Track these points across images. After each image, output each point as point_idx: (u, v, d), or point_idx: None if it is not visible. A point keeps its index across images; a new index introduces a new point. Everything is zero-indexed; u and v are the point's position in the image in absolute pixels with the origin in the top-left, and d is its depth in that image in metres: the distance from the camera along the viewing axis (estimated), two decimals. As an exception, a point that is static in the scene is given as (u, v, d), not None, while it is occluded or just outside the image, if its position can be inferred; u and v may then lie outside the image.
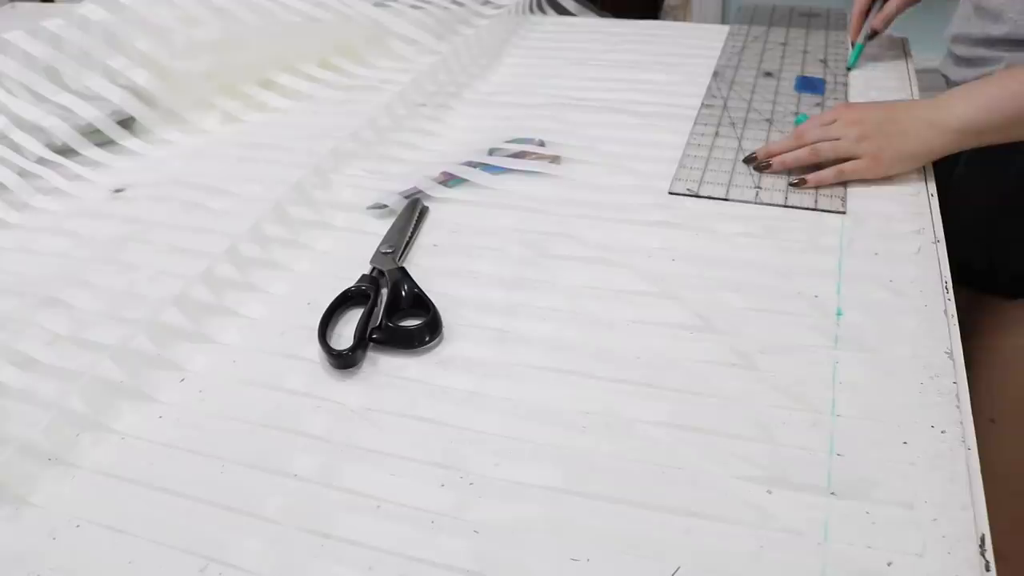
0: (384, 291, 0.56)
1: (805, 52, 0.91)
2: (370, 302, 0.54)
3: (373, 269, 0.58)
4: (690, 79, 0.86)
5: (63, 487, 0.43)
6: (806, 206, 0.62)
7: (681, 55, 0.94)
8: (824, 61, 0.89)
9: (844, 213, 0.61)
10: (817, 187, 0.64)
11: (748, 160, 0.68)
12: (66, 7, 0.96)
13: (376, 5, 0.98)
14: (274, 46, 0.90)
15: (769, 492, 0.40)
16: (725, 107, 0.80)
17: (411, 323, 0.52)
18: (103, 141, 0.79)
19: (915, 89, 0.82)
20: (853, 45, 0.87)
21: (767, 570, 0.36)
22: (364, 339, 0.50)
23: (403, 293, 0.55)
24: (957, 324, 0.50)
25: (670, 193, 0.66)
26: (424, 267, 0.59)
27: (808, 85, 0.83)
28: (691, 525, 0.39)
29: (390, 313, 0.53)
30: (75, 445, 0.45)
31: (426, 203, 0.66)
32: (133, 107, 0.80)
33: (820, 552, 0.37)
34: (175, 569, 0.38)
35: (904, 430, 0.43)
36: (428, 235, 0.63)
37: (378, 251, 0.60)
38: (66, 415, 0.45)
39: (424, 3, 1.03)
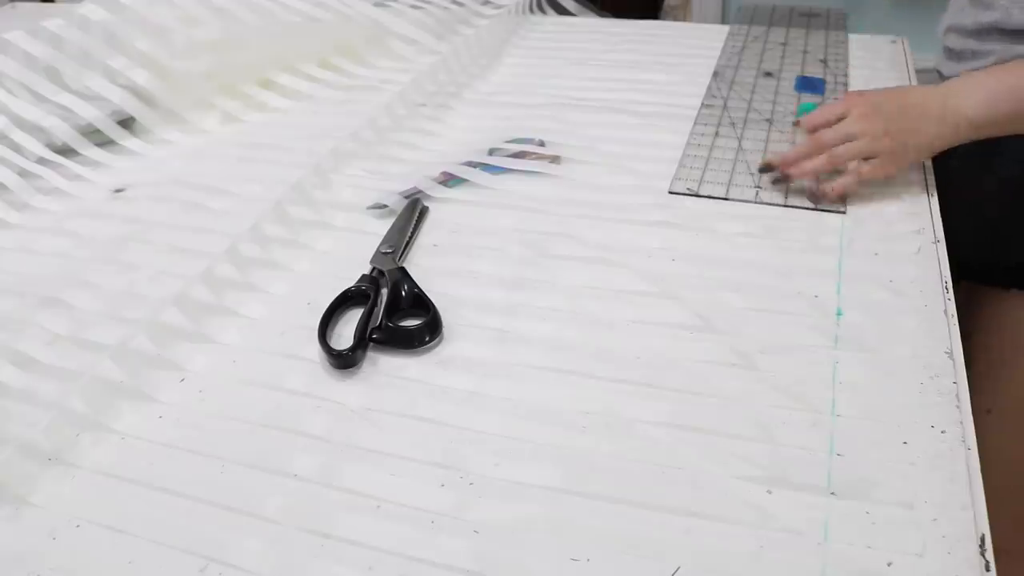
0: (384, 291, 0.56)
1: (805, 52, 0.91)
2: (370, 302, 0.54)
3: (373, 269, 0.58)
4: (690, 79, 0.86)
5: (63, 487, 0.43)
6: (806, 206, 0.62)
7: (681, 55, 0.94)
8: (824, 61, 0.89)
9: (844, 213, 0.61)
10: (843, 196, 0.62)
11: (764, 169, 0.66)
12: (66, 7, 0.96)
13: (376, 5, 0.98)
14: (274, 46, 0.90)
15: (769, 492, 0.40)
16: (725, 107, 0.80)
17: (411, 323, 0.52)
18: (103, 141, 0.79)
19: (915, 89, 0.82)
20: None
21: (767, 570, 0.36)
22: (364, 339, 0.50)
23: (403, 293, 0.55)
24: (957, 324, 0.50)
25: (670, 193, 0.66)
26: (424, 267, 0.59)
27: (808, 85, 0.83)
28: (691, 525, 0.39)
29: (390, 313, 0.53)
30: (75, 445, 0.45)
31: (426, 203, 0.66)
32: (133, 107, 0.80)
33: (820, 552, 0.37)
34: (175, 569, 0.38)
35: (904, 430, 0.43)
36: (428, 235, 0.63)
37: (378, 251, 0.60)
38: (66, 415, 0.45)
39: (424, 3, 1.02)
